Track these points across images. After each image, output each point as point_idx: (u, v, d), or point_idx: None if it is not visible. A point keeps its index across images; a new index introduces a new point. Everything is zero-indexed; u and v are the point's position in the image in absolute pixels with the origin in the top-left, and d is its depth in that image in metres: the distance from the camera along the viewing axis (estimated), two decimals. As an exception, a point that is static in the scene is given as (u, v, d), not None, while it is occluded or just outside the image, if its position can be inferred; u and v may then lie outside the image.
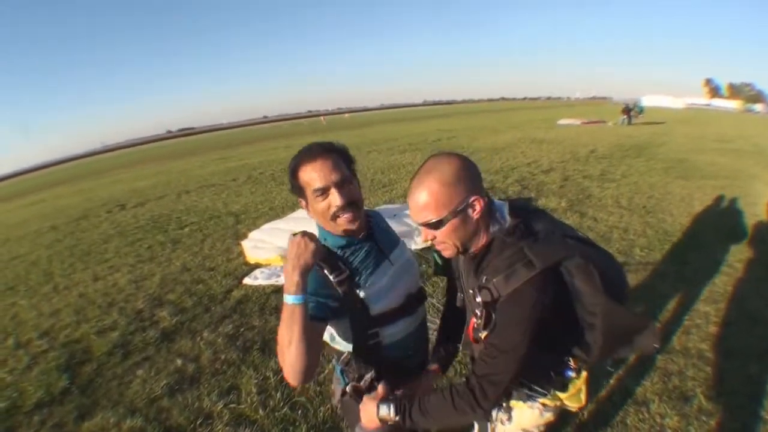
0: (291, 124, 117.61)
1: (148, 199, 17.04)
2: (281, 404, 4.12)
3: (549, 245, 1.65)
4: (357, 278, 1.94)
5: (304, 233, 1.79)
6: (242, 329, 5.57)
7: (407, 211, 8.70)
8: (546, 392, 1.97)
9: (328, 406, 3.98)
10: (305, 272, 1.72)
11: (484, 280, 1.66)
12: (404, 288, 2.10)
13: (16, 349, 5.87)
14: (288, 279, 1.71)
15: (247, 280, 7.04)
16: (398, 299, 2.05)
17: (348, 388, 2.08)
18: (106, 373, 5.01)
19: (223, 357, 5.00)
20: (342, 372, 2.17)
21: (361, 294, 1.93)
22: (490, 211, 1.77)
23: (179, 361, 5.02)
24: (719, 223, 8.23)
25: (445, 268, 2.17)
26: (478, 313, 1.67)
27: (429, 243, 1.82)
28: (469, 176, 1.67)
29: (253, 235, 8.80)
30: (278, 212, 11.49)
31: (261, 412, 4.05)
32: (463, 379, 1.74)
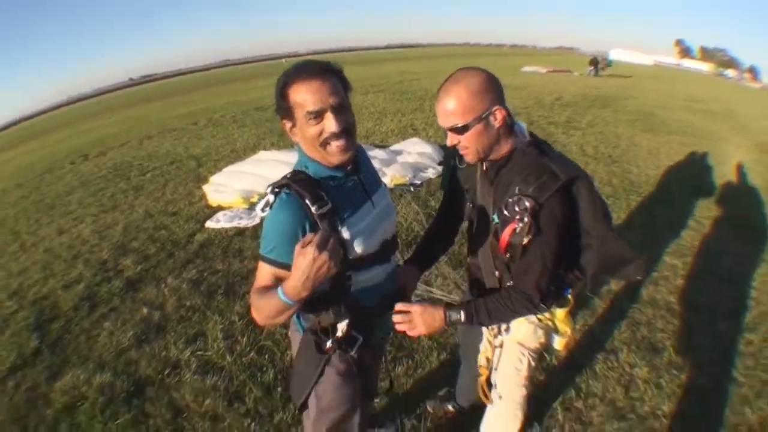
0: (253, 67, 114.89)
1: (111, 147, 16.39)
2: (248, 349, 4.02)
3: (566, 162, 1.82)
4: (338, 214, 1.74)
5: (328, 237, 1.46)
6: (206, 273, 5.42)
7: (371, 152, 8.54)
8: (546, 307, 1.98)
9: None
10: (318, 286, 1.52)
11: (517, 190, 1.73)
12: (382, 233, 1.94)
13: (-14, 312, 5.59)
14: (294, 286, 1.47)
15: (209, 224, 6.85)
16: (375, 245, 1.89)
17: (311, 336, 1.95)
18: (74, 329, 4.80)
19: (188, 303, 4.85)
20: (299, 318, 2.01)
21: (343, 233, 1.74)
22: (510, 124, 1.87)
23: (145, 310, 4.85)
24: (687, 179, 8.26)
25: (452, 182, 2.23)
26: (525, 219, 1.70)
27: (454, 146, 1.87)
28: (493, 88, 1.78)
29: (215, 178, 8.54)
30: (240, 154, 11.11)
31: (228, 358, 3.94)
32: (509, 284, 1.94)
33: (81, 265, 6.34)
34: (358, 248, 1.79)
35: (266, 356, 3.93)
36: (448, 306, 1.92)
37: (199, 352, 4.07)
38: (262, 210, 1.74)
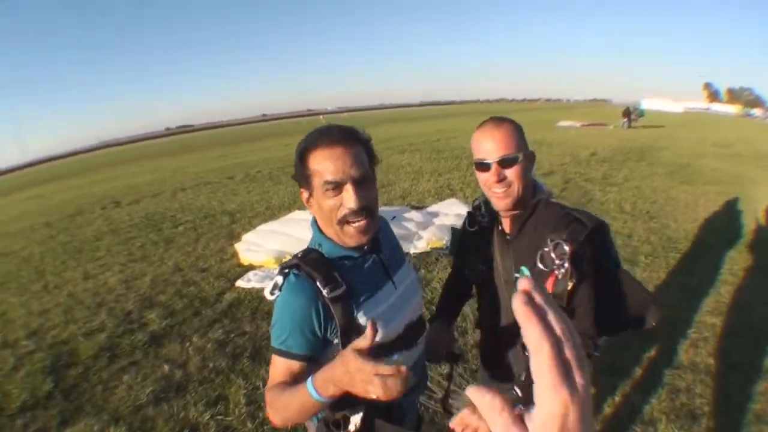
0: (290, 123, 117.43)
1: (144, 196, 16.90)
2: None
3: (587, 213, 1.83)
4: (354, 298, 1.63)
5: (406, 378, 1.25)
6: (233, 335, 5.46)
7: (407, 214, 8.69)
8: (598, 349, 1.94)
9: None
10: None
11: (549, 240, 1.71)
12: (405, 316, 1.80)
13: (2, 348, 5.79)
14: (332, 384, 1.32)
15: (239, 283, 6.93)
16: (398, 329, 1.75)
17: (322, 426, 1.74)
18: (91, 378, 4.89)
19: (211, 365, 4.88)
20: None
21: (359, 319, 1.62)
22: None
23: (166, 367, 4.90)
24: (723, 230, 8.13)
25: (462, 246, 2.26)
26: (565, 265, 1.67)
27: (494, 184, 1.81)
28: (525, 135, 1.86)
29: (247, 237, 8.69)
30: (274, 212, 11.35)
31: (249, 425, 3.92)
32: None
33: (104, 313, 6.48)
34: (378, 335, 1.49)
35: (289, 426, 3.90)
36: (502, 388, 1.89)
37: (219, 417, 4.04)
38: (271, 293, 1.71)
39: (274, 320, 1.61)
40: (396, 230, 6.81)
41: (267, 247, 7.82)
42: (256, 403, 4.19)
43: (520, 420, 0.49)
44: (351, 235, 1.62)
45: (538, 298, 0.50)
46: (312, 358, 1.55)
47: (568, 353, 0.47)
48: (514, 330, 1.87)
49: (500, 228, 1.98)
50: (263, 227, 9.04)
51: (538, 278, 1.72)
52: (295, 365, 1.54)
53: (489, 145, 1.78)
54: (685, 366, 4.30)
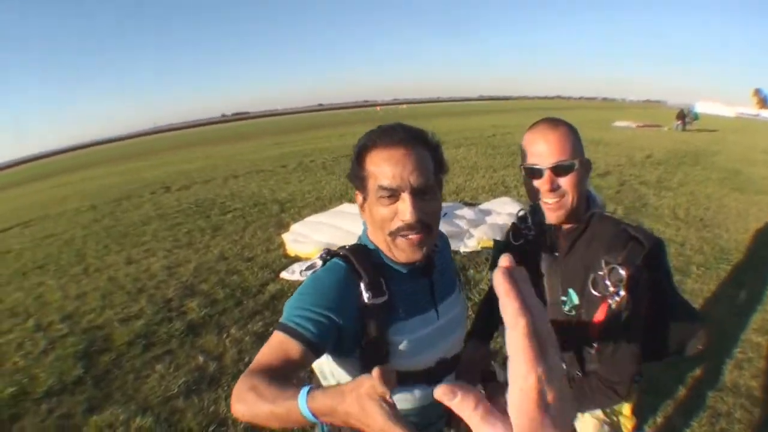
0: (347, 113, 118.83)
1: (195, 182, 17.22)
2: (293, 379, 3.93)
3: (641, 229, 1.71)
4: (391, 312, 1.49)
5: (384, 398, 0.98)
6: (272, 328, 5.34)
7: (459, 210, 8.60)
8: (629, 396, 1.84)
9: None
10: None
11: (603, 263, 1.63)
12: (440, 352, 1.63)
13: (35, 331, 5.89)
14: (335, 416, 1.03)
15: (284, 274, 6.91)
16: (427, 363, 1.59)
17: None
18: (123, 365, 4.93)
19: (247, 358, 4.83)
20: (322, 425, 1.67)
21: (389, 336, 1.49)
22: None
23: (201, 359, 4.90)
24: None
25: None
26: (620, 293, 1.58)
27: (548, 195, 1.70)
28: (581, 140, 1.74)
29: (295, 227, 8.69)
30: (325, 203, 11.37)
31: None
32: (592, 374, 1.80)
33: (144, 300, 6.55)
34: (402, 361, 1.51)
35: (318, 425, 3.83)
36: None
37: (250, 413, 3.99)
38: (301, 273, 1.55)
39: (293, 295, 1.45)
40: (447, 227, 6.67)
41: (314, 239, 7.80)
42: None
43: (497, 411, 0.47)
44: (403, 249, 1.48)
45: (517, 274, 0.48)
46: (317, 347, 1.33)
47: (544, 331, 0.45)
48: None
49: (549, 243, 1.85)
50: (312, 218, 9.04)
51: (588, 305, 1.70)
52: (295, 347, 1.29)
53: (542, 148, 1.67)
54: (728, 388, 4.14)
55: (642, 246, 1.61)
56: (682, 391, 4.07)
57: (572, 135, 1.68)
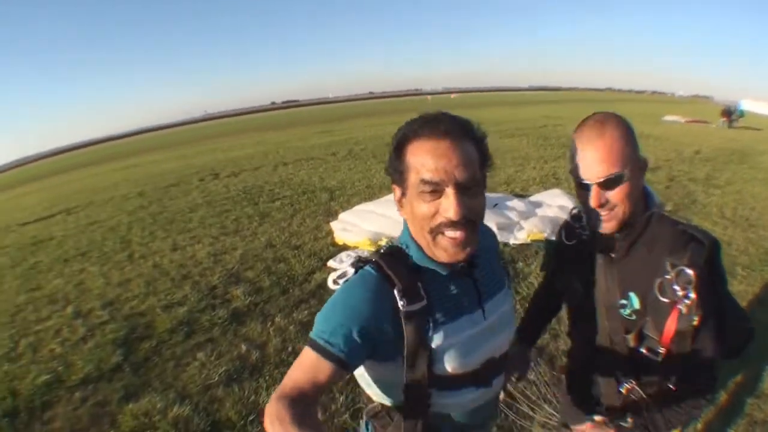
0: (397, 101, 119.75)
1: (244, 169, 17.46)
2: (343, 409, 3.89)
3: (698, 227, 1.62)
4: (432, 316, 1.43)
5: None
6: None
7: (509, 202, 8.55)
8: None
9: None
10: None
11: (668, 265, 1.55)
12: (487, 351, 1.57)
13: (74, 318, 5.98)
14: None
15: (331, 263, 6.90)
16: (474, 364, 1.52)
17: None
18: (164, 353, 4.97)
19: (290, 347, 4.85)
20: (367, 425, 1.69)
21: (432, 341, 1.42)
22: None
23: (244, 347, 4.90)
24: None
25: (558, 262, 2.02)
26: (690, 296, 1.50)
27: (598, 209, 1.62)
28: (635, 135, 1.61)
29: (344, 216, 8.71)
30: (375, 191, 11.44)
31: (320, 415, 3.80)
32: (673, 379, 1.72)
33: (188, 287, 6.62)
34: (449, 365, 1.46)
35: (360, 421, 3.75)
36: (620, 429, 1.72)
37: (290, 404, 3.95)
38: (335, 282, 1.49)
39: (325, 308, 1.40)
40: (497, 218, 6.59)
41: (363, 228, 7.80)
42: (330, 393, 4.05)
43: None
44: (445, 248, 1.39)
45: None
46: (348, 365, 1.31)
47: None
48: (608, 360, 1.82)
49: (605, 244, 1.75)
50: (361, 207, 9.03)
51: (655, 312, 1.61)
52: (325, 368, 1.28)
53: (587, 160, 1.57)
54: (766, 395, 4.01)
55: (702, 245, 1.54)
56: (723, 396, 4.00)
57: (621, 139, 1.55)
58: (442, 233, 1.36)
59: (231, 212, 10.87)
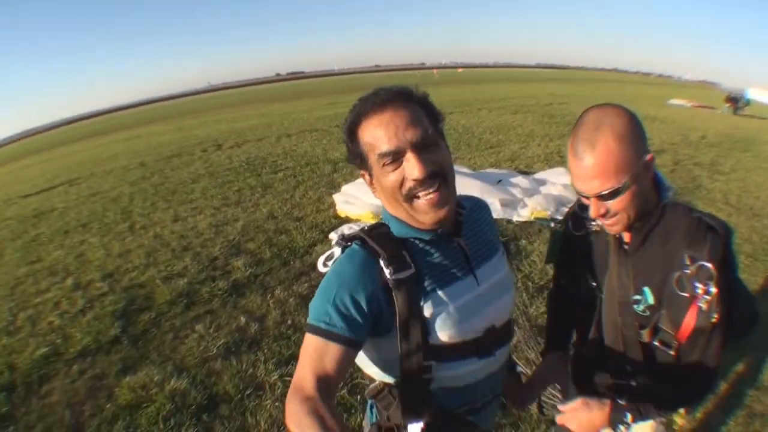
0: (403, 75, 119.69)
1: (247, 140, 17.46)
2: (340, 384, 3.84)
3: (712, 216, 1.57)
4: (422, 284, 1.42)
5: None
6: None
7: (513, 179, 8.55)
8: None
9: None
10: None
11: (687, 258, 1.49)
12: (486, 319, 1.52)
13: (73, 290, 5.97)
14: None
15: (332, 235, 6.87)
16: (473, 332, 1.49)
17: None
18: (163, 324, 4.95)
19: (290, 320, 4.83)
20: (372, 407, 1.68)
21: (424, 310, 1.40)
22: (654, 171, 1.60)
23: (243, 319, 4.89)
24: None
25: (565, 253, 1.93)
26: (711, 291, 1.44)
27: (596, 220, 1.62)
28: (640, 131, 1.49)
29: (346, 188, 8.67)
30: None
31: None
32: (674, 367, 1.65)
33: (189, 258, 6.59)
34: (444, 333, 1.43)
35: (358, 396, 3.73)
36: (616, 407, 1.62)
37: (288, 377, 3.94)
38: (324, 264, 1.46)
39: (318, 290, 1.40)
40: (501, 195, 6.50)
41: (365, 201, 7.74)
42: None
43: None
44: (424, 211, 1.39)
45: None
46: (355, 342, 1.32)
47: None
48: (619, 356, 1.76)
49: (617, 235, 1.68)
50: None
51: (672, 307, 1.56)
52: (333, 349, 1.28)
53: (582, 174, 1.50)
54: (766, 388, 4.02)
55: (719, 235, 1.49)
56: (723, 387, 4.00)
57: (617, 146, 1.43)
58: (417, 197, 1.37)
59: (233, 183, 10.86)
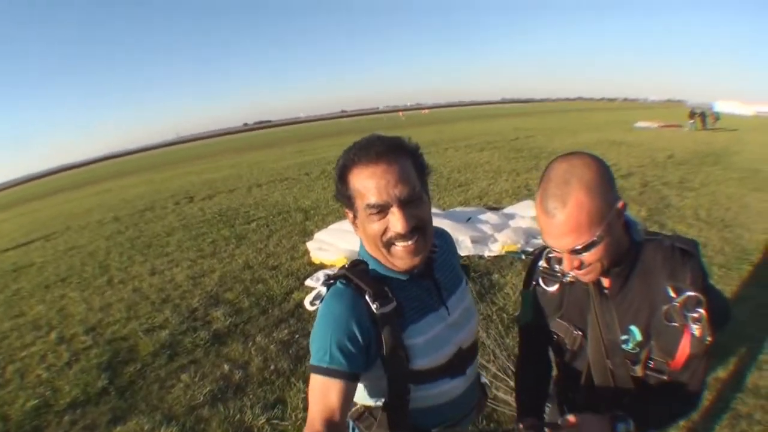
0: (370, 119, 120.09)
1: (219, 191, 17.55)
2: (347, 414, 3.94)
3: (678, 237, 1.62)
4: (402, 317, 1.54)
5: None
6: (297, 335, 5.45)
7: (482, 215, 8.71)
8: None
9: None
10: None
11: (671, 290, 1.51)
12: (456, 344, 1.68)
13: (58, 344, 5.99)
14: None
15: (309, 282, 6.94)
16: (445, 357, 1.63)
17: None
18: (148, 375, 4.98)
19: (273, 366, 4.88)
20: (353, 429, 1.74)
21: (405, 341, 1.53)
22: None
23: (227, 367, 4.93)
24: None
25: (537, 313, 1.87)
26: (702, 319, 1.46)
27: (569, 272, 1.62)
28: (609, 177, 1.47)
29: (319, 236, 8.75)
30: (346, 212, 11.47)
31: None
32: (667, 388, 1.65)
33: (169, 310, 6.63)
34: (423, 360, 1.56)
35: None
36: (615, 417, 1.57)
37: (275, 421, 4.03)
38: (311, 303, 1.58)
39: (313, 333, 1.51)
40: (471, 232, 6.68)
41: (339, 247, 7.84)
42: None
43: None
44: (401, 257, 1.52)
45: None
46: (355, 375, 1.45)
47: None
48: (610, 394, 1.72)
49: (596, 284, 1.68)
50: (336, 226, 9.09)
51: (661, 336, 1.57)
52: (337, 385, 1.40)
53: (553, 232, 1.48)
54: (749, 390, 4.12)
55: (695, 258, 1.53)
56: (707, 394, 4.05)
57: (588, 200, 1.40)
58: (395, 244, 1.49)
59: (207, 235, 10.91)
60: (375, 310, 1.47)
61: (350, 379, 1.41)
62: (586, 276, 1.56)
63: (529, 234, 7.82)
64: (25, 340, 6.28)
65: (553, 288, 1.80)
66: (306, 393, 4.23)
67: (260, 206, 13.41)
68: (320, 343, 1.45)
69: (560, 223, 1.42)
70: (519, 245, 7.46)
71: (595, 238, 1.42)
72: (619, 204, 1.46)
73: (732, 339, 4.66)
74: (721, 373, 4.32)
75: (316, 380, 1.43)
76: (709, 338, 1.46)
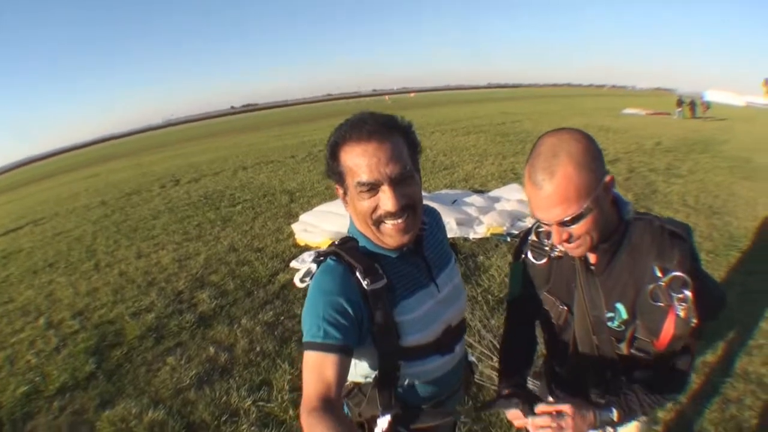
0: (355, 102, 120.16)
1: (204, 174, 17.49)
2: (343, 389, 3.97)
3: (671, 220, 1.64)
4: (392, 294, 1.55)
5: None
6: (282, 317, 5.49)
7: (468, 198, 8.74)
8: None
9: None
10: None
11: (658, 269, 1.51)
12: (445, 321, 1.68)
13: (46, 329, 5.99)
14: None
15: (294, 264, 6.98)
16: (435, 334, 1.63)
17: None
18: (135, 359, 5.01)
19: (258, 348, 4.91)
20: (343, 405, 1.71)
21: (395, 317, 1.53)
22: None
23: (212, 350, 4.96)
24: None
25: (526, 286, 1.89)
26: (688, 299, 1.46)
27: (558, 245, 1.63)
28: (598, 152, 1.48)
29: (304, 218, 8.76)
30: (334, 192, 11.45)
31: (291, 412, 3.89)
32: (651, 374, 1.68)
33: (155, 293, 6.65)
34: (414, 337, 1.57)
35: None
36: (598, 405, 1.65)
37: (261, 402, 4.07)
38: (301, 280, 1.59)
39: (305, 310, 1.50)
40: (456, 215, 6.70)
41: (323, 228, 7.87)
42: (299, 389, 4.14)
43: None
44: (390, 235, 1.52)
45: None
46: (349, 348, 1.43)
47: None
48: (596, 370, 1.77)
49: (583, 259, 1.70)
50: (321, 208, 9.07)
51: (646, 315, 1.57)
52: (331, 359, 1.39)
53: (542, 203, 1.48)
54: (738, 374, 4.17)
55: (684, 240, 1.54)
56: (693, 378, 4.08)
57: (576, 172, 1.42)
58: (384, 222, 1.49)
59: (193, 218, 10.92)
60: (366, 287, 1.47)
61: (345, 353, 1.41)
62: (575, 250, 1.57)
63: (515, 217, 7.86)
64: (15, 326, 6.28)
65: (542, 261, 1.81)
66: (291, 375, 4.31)
67: (246, 188, 13.42)
68: (313, 320, 1.44)
69: (548, 194, 1.43)
70: (504, 228, 7.51)
71: (582, 210, 1.43)
72: (607, 178, 1.48)
73: (720, 324, 4.70)
74: (710, 357, 4.37)
75: (310, 356, 1.41)
76: (694, 320, 1.47)
